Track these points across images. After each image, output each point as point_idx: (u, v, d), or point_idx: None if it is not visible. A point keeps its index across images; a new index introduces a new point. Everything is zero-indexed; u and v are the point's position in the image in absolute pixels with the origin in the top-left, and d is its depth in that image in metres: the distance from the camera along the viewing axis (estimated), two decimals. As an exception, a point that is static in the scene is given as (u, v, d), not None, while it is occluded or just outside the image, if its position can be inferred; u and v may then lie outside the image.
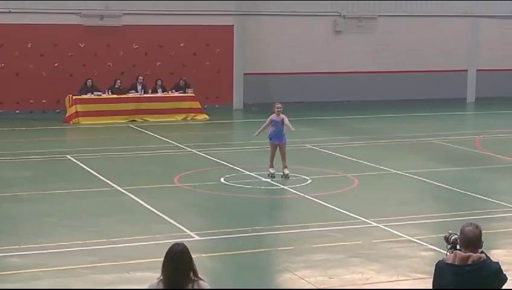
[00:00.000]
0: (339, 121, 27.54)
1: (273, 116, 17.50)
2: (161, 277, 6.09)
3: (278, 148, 17.49)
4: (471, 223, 6.45)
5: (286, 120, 17.43)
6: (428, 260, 11.61)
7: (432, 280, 6.62)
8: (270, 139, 17.53)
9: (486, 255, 6.42)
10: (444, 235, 6.74)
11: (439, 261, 6.56)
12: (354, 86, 32.14)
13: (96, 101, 26.57)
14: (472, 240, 6.35)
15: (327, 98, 31.44)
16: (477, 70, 33.51)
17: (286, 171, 17.39)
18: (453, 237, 6.59)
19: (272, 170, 17.47)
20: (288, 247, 12.46)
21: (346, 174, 17.96)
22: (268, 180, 17.29)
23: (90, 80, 26.95)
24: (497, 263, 6.48)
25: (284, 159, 17.46)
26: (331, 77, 31.86)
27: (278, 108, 17.51)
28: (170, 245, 6.14)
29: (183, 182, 17.15)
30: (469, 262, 6.30)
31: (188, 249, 6.08)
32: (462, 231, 6.40)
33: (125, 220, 14.05)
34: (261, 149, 21.27)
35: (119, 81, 27.13)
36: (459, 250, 6.41)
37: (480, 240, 6.39)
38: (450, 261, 6.40)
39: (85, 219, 14.12)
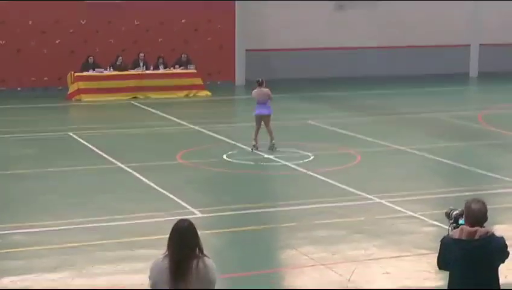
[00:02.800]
0: (341, 97, 27.49)
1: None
2: (166, 253, 6.10)
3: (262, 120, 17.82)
4: (478, 200, 6.44)
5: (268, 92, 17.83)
6: (431, 235, 11.63)
7: (435, 255, 6.64)
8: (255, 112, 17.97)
9: (490, 231, 6.45)
10: (445, 211, 6.75)
11: (445, 236, 6.56)
12: (356, 61, 32.03)
13: (98, 78, 26.52)
14: (478, 217, 6.37)
15: (329, 74, 31.35)
16: (480, 44, 33.36)
17: (273, 141, 17.73)
18: (454, 213, 6.60)
19: (253, 142, 17.76)
20: (291, 223, 12.48)
21: (349, 150, 17.95)
22: (256, 151, 17.53)
23: (91, 57, 26.88)
24: (502, 237, 6.50)
25: (270, 132, 17.78)
26: (333, 53, 31.75)
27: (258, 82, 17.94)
28: (174, 222, 6.15)
29: (186, 159, 17.15)
30: (476, 237, 6.32)
31: (194, 225, 6.09)
32: (468, 207, 6.39)
33: (128, 198, 14.07)
34: (263, 125, 21.26)
35: (120, 58, 27.07)
36: (463, 225, 6.42)
37: (486, 215, 6.41)
38: (456, 237, 6.41)
39: (88, 196, 14.14)
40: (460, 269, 6.37)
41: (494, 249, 6.37)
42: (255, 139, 17.77)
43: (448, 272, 6.55)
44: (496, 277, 6.45)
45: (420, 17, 32.52)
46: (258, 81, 18.02)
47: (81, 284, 9.87)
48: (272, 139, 17.76)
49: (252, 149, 17.70)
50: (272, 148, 17.68)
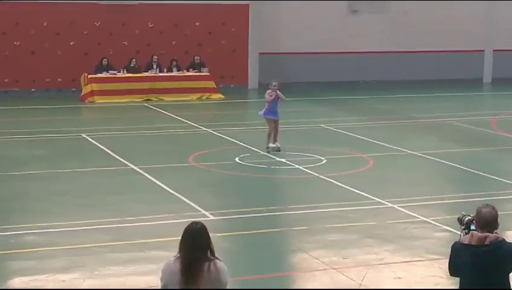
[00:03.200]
0: (354, 101, 27.46)
1: (270, 93, 18.00)
2: (178, 255, 6.11)
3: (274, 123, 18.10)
4: (487, 205, 6.45)
5: (280, 94, 17.93)
6: (443, 241, 11.59)
7: (447, 261, 6.63)
8: (267, 115, 18.13)
9: (502, 237, 6.43)
10: (458, 216, 6.73)
11: (455, 242, 6.56)
12: (369, 65, 31.99)
13: (112, 80, 26.60)
14: (489, 221, 6.35)
15: (342, 78, 31.33)
16: (493, 50, 33.25)
17: (278, 145, 17.96)
18: (466, 219, 6.59)
19: (271, 144, 17.94)
20: (302, 227, 12.47)
21: (362, 155, 17.92)
22: (268, 154, 17.66)
23: (105, 59, 26.97)
24: (513, 243, 6.48)
25: (276, 134, 18.06)
26: (346, 57, 31.73)
27: (274, 86, 18.01)
28: (186, 224, 6.16)
29: (198, 161, 17.17)
30: (486, 242, 6.30)
31: (206, 228, 6.11)
32: (478, 212, 6.39)
33: (140, 199, 14.09)
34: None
35: (134, 60, 27.14)
36: (474, 231, 6.41)
37: (497, 221, 6.39)
38: (466, 242, 6.40)
39: (100, 197, 14.17)
40: (470, 274, 6.36)
41: (505, 255, 6.35)
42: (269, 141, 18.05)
43: (459, 278, 6.53)
44: (507, 282, 6.43)
45: (434, 22, 32.45)
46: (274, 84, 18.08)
47: (92, 285, 9.89)
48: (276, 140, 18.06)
49: (268, 150, 17.91)
50: (278, 150, 17.90)
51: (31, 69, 27.68)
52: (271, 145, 17.98)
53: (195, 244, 6.02)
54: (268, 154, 17.74)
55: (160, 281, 6.21)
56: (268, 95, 18.05)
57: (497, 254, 6.32)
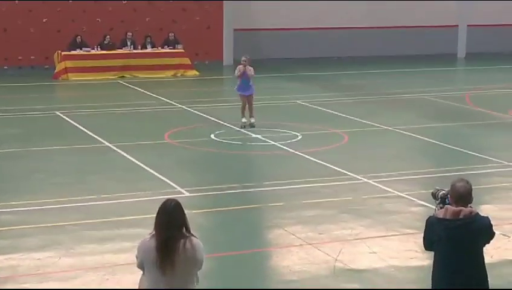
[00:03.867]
0: (329, 77, 27.46)
1: (239, 68, 18.16)
2: (153, 232, 6.09)
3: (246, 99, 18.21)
4: (462, 179, 6.47)
5: (247, 69, 18.03)
6: (418, 215, 11.67)
7: (422, 235, 6.66)
8: (239, 91, 18.28)
9: (476, 211, 6.46)
10: (431, 191, 6.76)
11: (430, 216, 6.59)
12: (343, 42, 31.97)
13: (85, 57, 26.39)
14: (463, 195, 6.38)
15: (317, 54, 31.31)
16: (468, 25, 33.37)
17: (252, 120, 18.04)
18: (440, 193, 6.61)
19: (244, 120, 18.07)
20: (278, 203, 12.49)
21: (337, 130, 17.95)
22: (242, 130, 17.69)
23: (79, 36, 26.73)
24: (487, 217, 6.52)
25: (251, 109, 18.11)
26: (321, 33, 31.69)
27: (243, 61, 18.17)
28: (162, 201, 6.14)
29: (173, 138, 17.12)
30: (461, 216, 6.34)
31: (180, 204, 6.09)
32: (453, 187, 6.41)
33: (115, 177, 14.04)
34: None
35: (108, 36, 26.92)
36: (449, 205, 6.44)
37: (471, 195, 6.42)
38: (441, 216, 6.43)
39: (75, 175, 14.09)
40: (444, 248, 6.39)
41: (478, 229, 6.39)
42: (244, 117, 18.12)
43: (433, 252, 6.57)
44: (481, 256, 6.47)
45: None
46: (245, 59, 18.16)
47: (68, 263, 9.85)
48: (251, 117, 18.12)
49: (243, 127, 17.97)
50: (251, 126, 17.98)
51: (4, 46, 27.38)
52: (243, 120, 18.03)
53: (171, 222, 6.01)
54: (243, 131, 17.72)
55: (136, 259, 6.20)
56: (238, 70, 18.08)
57: (471, 228, 6.35)
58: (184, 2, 29.29)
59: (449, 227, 6.35)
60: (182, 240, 6.02)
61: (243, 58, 18.21)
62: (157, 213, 6.08)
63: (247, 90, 18.13)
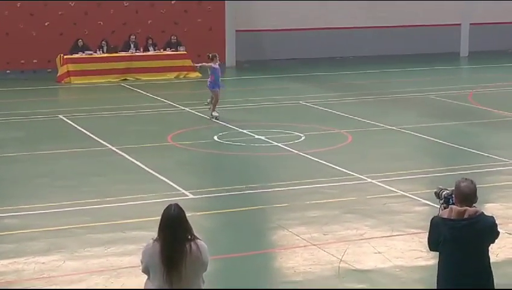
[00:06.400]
0: (332, 77, 27.44)
1: (213, 64, 19.42)
2: (156, 237, 6.08)
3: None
4: (466, 179, 6.45)
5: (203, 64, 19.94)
6: (422, 215, 11.65)
7: (426, 235, 6.64)
8: (213, 87, 19.42)
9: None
10: (434, 190, 6.74)
11: (435, 216, 6.56)
12: (346, 41, 31.96)
13: (88, 60, 26.40)
14: (468, 195, 6.36)
15: (320, 55, 31.28)
16: (470, 24, 33.33)
17: (215, 114, 19.22)
18: (444, 192, 6.59)
19: (215, 113, 19.09)
20: (282, 204, 12.47)
21: (340, 131, 17.93)
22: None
23: (81, 40, 26.75)
24: (492, 217, 6.50)
25: (216, 103, 19.34)
26: (323, 33, 31.67)
27: (214, 57, 19.67)
28: (166, 204, 6.14)
29: (177, 140, 17.11)
30: (465, 216, 6.31)
31: (183, 211, 6.08)
32: (457, 186, 6.39)
33: (119, 180, 14.03)
34: (254, 107, 21.27)
35: (104, 42, 26.85)
36: (453, 204, 6.42)
37: (475, 194, 6.40)
38: (445, 216, 6.41)
39: (79, 178, 14.09)
40: (449, 248, 6.37)
41: (483, 229, 6.37)
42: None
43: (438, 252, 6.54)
44: (486, 256, 6.45)
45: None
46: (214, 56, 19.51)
47: (73, 266, 9.84)
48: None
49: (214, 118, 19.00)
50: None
51: (6, 50, 27.41)
52: (215, 114, 19.20)
53: (176, 233, 6.00)
54: (246, 132, 17.71)
55: (140, 263, 6.19)
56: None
57: (476, 228, 6.33)
58: (186, 3, 29.28)
59: (454, 227, 6.33)
60: (187, 244, 6.02)
61: (213, 55, 19.58)
62: (161, 219, 6.08)
63: (211, 85, 19.43)
